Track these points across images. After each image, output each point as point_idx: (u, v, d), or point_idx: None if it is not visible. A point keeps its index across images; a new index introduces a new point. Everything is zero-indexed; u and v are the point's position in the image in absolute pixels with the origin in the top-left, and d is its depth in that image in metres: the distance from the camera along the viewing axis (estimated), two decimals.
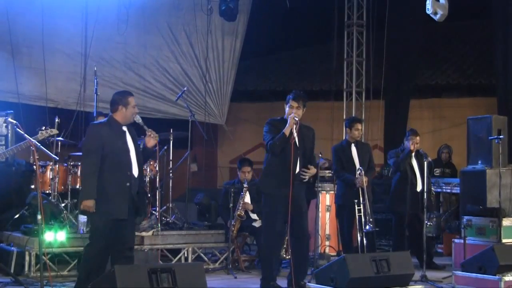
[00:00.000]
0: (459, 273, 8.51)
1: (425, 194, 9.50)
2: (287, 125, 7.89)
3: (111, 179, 7.10)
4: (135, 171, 7.28)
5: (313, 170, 8.09)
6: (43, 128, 7.68)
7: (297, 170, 7.98)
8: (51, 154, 9.24)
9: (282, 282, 8.50)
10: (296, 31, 16.18)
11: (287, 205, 7.87)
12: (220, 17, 13.70)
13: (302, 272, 8.20)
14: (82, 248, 8.84)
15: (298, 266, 8.12)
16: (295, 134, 7.92)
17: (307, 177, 8.09)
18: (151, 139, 7.39)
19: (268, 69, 17.79)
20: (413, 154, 10.28)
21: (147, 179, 10.07)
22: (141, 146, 7.42)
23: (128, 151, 7.23)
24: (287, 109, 8.12)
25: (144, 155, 7.46)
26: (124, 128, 7.29)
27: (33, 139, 7.32)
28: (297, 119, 7.89)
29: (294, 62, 17.86)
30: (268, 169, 8.17)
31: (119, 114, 7.26)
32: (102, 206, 7.05)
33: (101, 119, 10.56)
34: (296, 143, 7.94)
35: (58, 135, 9.20)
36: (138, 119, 7.34)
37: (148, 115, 12.82)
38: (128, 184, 7.16)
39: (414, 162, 10.27)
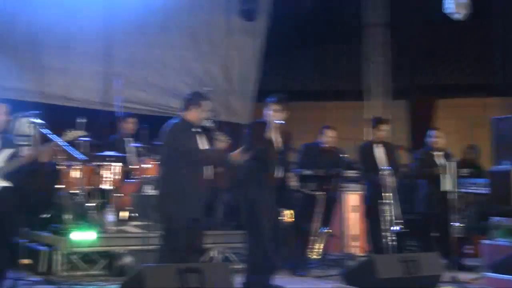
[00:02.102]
0: (489, 274, 8.47)
1: (453, 194, 9.46)
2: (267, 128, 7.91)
3: (191, 179, 7.18)
4: (211, 172, 7.42)
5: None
6: (69, 128, 7.69)
7: (280, 174, 7.98)
8: (78, 154, 9.28)
9: (309, 281, 8.52)
10: (318, 31, 16.10)
11: (271, 210, 7.92)
12: (240, 17, 13.71)
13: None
14: (109, 248, 9.00)
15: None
16: (278, 138, 7.98)
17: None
18: (221, 143, 7.43)
19: (290, 69, 17.74)
20: (440, 153, 10.28)
21: None
22: None
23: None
24: (269, 112, 8.06)
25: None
26: (194, 129, 7.37)
27: (59, 139, 7.36)
28: (283, 122, 7.95)
29: (317, 61, 17.77)
30: (248, 175, 8.02)
31: (191, 114, 7.36)
32: (182, 205, 7.13)
33: (131, 120, 10.75)
34: (278, 146, 8.00)
35: (83, 135, 9.19)
36: (210, 123, 7.36)
37: (173, 115, 12.76)
38: (205, 184, 7.29)
39: (442, 162, 10.25)
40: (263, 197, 7.85)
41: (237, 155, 7.53)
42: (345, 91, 16.36)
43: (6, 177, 7.20)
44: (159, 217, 7.63)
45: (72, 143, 8.25)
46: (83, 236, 8.81)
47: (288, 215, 9.50)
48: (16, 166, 7.20)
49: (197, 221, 7.27)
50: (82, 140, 9.76)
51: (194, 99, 7.41)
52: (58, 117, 10.99)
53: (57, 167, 9.77)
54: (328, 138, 10.52)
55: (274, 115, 7.92)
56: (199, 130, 7.41)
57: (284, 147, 8.11)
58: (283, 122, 7.97)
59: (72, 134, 7.63)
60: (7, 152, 7.28)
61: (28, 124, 9.73)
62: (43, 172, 9.72)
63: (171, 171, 7.31)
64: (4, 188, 7.19)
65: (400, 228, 9.49)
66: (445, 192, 9.91)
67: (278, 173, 7.92)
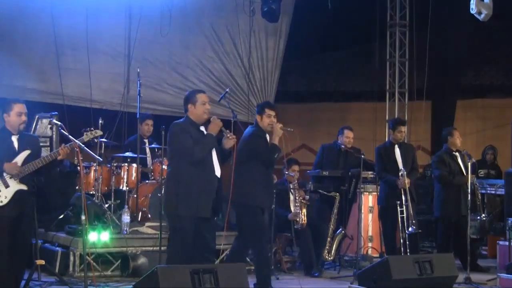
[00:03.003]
0: (504, 275, 8.42)
1: (469, 195, 9.39)
2: (274, 135, 7.89)
3: (197, 178, 7.10)
4: (217, 172, 7.32)
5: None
6: (88, 129, 7.69)
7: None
8: (95, 155, 9.30)
9: (323, 282, 8.50)
10: (339, 32, 16.08)
11: (270, 215, 8.12)
12: (262, 18, 13.69)
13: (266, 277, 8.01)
14: (125, 249, 9.02)
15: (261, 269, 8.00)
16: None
17: None
18: (229, 141, 7.38)
19: (311, 70, 17.74)
20: (458, 154, 10.23)
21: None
22: None
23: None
24: (262, 118, 8.05)
25: (221, 156, 7.43)
26: (202, 128, 7.31)
27: (78, 140, 7.35)
28: (289, 129, 8.02)
29: (337, 63, 17.80)
30: (252, 181, 7.94)
31: (191, 113, 7.28)
32: (187, 204, 7.06)
33: (149, 121, 10.77)
34: None
35: (101, 136, 9.22)
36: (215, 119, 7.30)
37: None
38: (212, 183, 7.20)
39: (461, 163, 10.19)
40: (268, 203, 7.97)
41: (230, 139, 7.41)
42: (366, 92, 16.31)
43: (23, 179, 7.21)
44: (166, 217, 7.62)
45: (90, 144, 8.25)
46: (98, 237, 8.84)
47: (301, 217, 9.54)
48: (35, 167, 7.21)
49: (206, 221, 7.20)
50: (100, 141, 9.82)
51: (189, 97, 7.37)
52: (77, 118, 11.09)
53: (75, 167, 9.86)
54: (347, 138, 10.50)
55: (276, 122, 7.97)
56: (202, 129, 7.32)
57: None
58: (290, 129, 8.06)
59: (91, 134, 7.61)
60: (25, 153, 7.29)
61: (48, 125, 9.85)
62: (60, 172, 9.78)
63: (175, 170, 7.27)
64: (21, 191, 7.19)
65: (415, 229, 9.40)
66: (464, 193, 9.85)
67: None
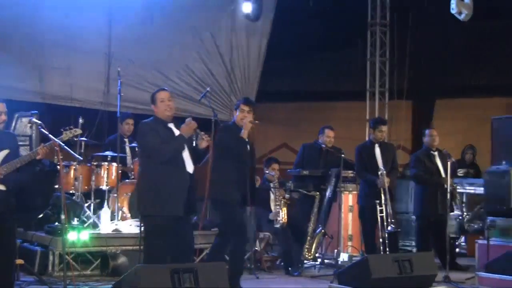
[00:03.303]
0: (483, 274, 8.47)
1: (448, 194, 9.43)
2: (242, 129, 7.88)
3: (167, 176, 7.09)
4: (190, 169, 7.29)
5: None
6: (67, 128, 7.66)
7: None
8: (75, 154, 9.28)
9: (304, 281, 8.50)
10: (321, 31, 16.08)
11: (242, 211, 7.99)
12: (244, 17, 13.69)
13: (241, 272, 8.13)
14: (104, 248, 8.99)
15: (238, 266, 8.07)
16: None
17: None
18: (203, 142, 7.38)
19: (295, 70, 17.69)
20: (436, 153, 10.29)
21: None
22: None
23: None
24: (237, 113, 8.08)
25: (196, 156, 7.42)
26: (170, 125, 7.31)
27: (57, 139, 7.31)
28: (256, 122, 7.95)
29: (318, 62, 17.75)
30: (224, 176, 8.00)
31: (156, 112, 7.31)
32: (159, 204, 7.05)
33: (129, 120, 10.76)
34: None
35: (81, 135, 9.19)
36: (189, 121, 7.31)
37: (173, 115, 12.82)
38: (184, 181, 7.17)
39: (439, 162, 10.25)
40: (239, 198, 7.86)
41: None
42: (348, 92, 16.36)
43: (2, 179, 7.13)
44: (140, 217, 7.61)
45: (69, 143, 8.22)
46: (78, 236, 8.79)
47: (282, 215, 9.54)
48: (14, 167, 7.14)
49: (182, 219, 7.17)
50: (80, 140, 9.79)
51: (151, 98, 7.39)
52: (57, 117, 11.03)
53: (55, 167, 9.81)
54: (328, 138, 10.53)
55: (248, 117, 7.94)
56: (170, 126, 7.33)
57: (252, 149, 8.16)
58: (257, 122, 8.01)
59: (70, 133, 7.57)
60: (4, 153, 7.22)
61: (27, 124, 9.79)
62: (40, 171, 9.72)
63: (145, 170, 7.28)
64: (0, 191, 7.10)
65: (394, 228, 9.46)
66: (441, 192, 9.91)
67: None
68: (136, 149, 10.33)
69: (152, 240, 7.16)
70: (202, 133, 7.41)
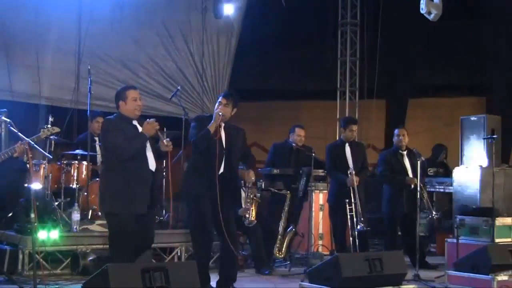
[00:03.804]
0: (452, 272, 8.54)
1: (417, 193, 9.53)
2: (212, 121, 7.71)
3: (130, 174, 7.10)
4: (152, 166, 7.30)
5: (252, 176, 8.14)
6: (45, 126, 7.69)
7: (221, 170, 7.76)
8: (45, 152, 9.24)
9: (274, 280, 8.52)
10: (292, 30, 16.14)
11: (212, 206, 7.68)
12: (213, 15, 13.69)
13: (232, 277, 7.95)
14: (75, 247, 8.96)
15: (227, 271, 7.92)
16: (222, 132, 7.80)
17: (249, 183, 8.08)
18: (162, 145, 7.36)
19: (264, 68, 17.75)
20: (405, 153, 10.39)
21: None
22: None
23: None
24: (216, 105, 7.92)
25: (157, 155, 7.44)
26: (135, 122, 7.31)
27: (35, 137, 7.34)
28: (221, 114, 7.68)
29: (289, 61, 17.82)
30: (191, 169, 7.97)
31: (122, 109, 7.30)
32: (122, 202, 7.07)
33: (99, 119, 10.73)
34: (222, 141, 7.80)
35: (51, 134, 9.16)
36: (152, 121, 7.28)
37: (143, 113, 12.77)
38: (147, 179, 7.20)
39: (406, 161, 10.36)
40: (205, 192, 7.71)
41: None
42: (318, 91, 16.42)
43: None
44: (104, 216, 7.60)
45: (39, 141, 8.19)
46: (48, 235, 8.73)
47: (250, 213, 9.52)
48: None
49: (142, 217, 7.21)
50: (50, 138, 9.75)
51: (119, 94, 7.37)
52: (26, 115, 10.97)
53: (24, 165, 9.75)
54: (298, 136, 10.56)
55: (220, 109, 7.77)
56: (134, 123, 7.33)
57: (232, 143, 7.94)
58: (222, 114, 7.72)
59: (48, 131, 7.60)
60: None
61: None
62: (10, 170, 9.67)
63: (108, 168, 7.31)
64: None
65: (363, 226, 9.54)
66: (411, 191, 10.00)
67: (222, 168, 7.78)
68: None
69: (117, 237, 7.18)
70: (165, 138, 7.42)
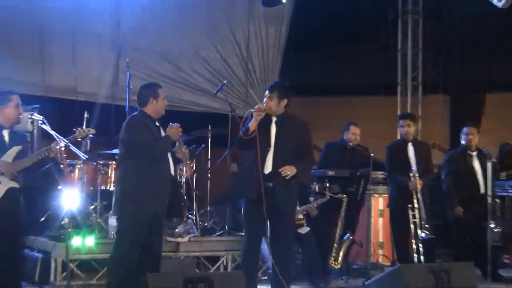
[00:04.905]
0: None
1: (488, 198, 9.29)
2: (252, 118, 7.57)
3: (154, 174, 7.22)
4: (172, 170, 7.47)
5: (287, 169, 7.61)
6: (81, 127, 7.83)
7: (269, 169, 7.60)
8: (80, 152, 9.22)
9: None
10: (346, 19, 15.99)
11: (259, 211, 7.53)
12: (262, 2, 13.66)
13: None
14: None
15: (280, 280, 7.66)
16: (272, 127, 7.70)
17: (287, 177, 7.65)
18: (179, 152, 7.51)
19: (315, 62, 17.58)
20: (474, 154, 10.17)
21: (183, 180, 10.06)
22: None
23: None
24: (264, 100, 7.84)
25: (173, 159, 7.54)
26: (158, 124, 7.42)
27: (70, 138, 7.41)
28: (263, 106, 7.60)
29: (344, 53, 17.62)
30: (243, 169, 7.92)
31: (150, 107, 7.37)
32: (144, 201, 7.16)
33: None
34: (270, 136, 7.67)
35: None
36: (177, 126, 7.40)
37: (185, 109, 12.81)
38: (167, 182, 7.34)
39: (476, 163, 10.14)
40: (251, 195, 7.61)
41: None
42: (377, 85, 16.19)
43: (14, 177, 7.22)
44: (118, 216, 7.65)
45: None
46: (82, 242, 8.71)
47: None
48: (27, 164, 7.26)
49: (159, 222, 7.40)
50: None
51: (151, 91, 7.48)
52: (61, 112, 11.00)
53: (57, 166, 9.74)
54: (353, 135, 10.44)
55: (264, 102, 7.71)
56: (158, 124, 7.48)
57: (284, 137, 7.75)
58: (264, 107, 7.62)
59: (83, 132, 7.70)
60: (16, 149, 7.30)
61: (28, 120, 9.74)
62: (41, 171, 9.67)
63: (132, 166, 7.32)
64: (12, 189, 7.24)
65: (428, 234, 9.35)
66: (481, 196, 9.78)
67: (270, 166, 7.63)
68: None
69: (127, 240, 7.27)
70: (183, 145, 7.59)
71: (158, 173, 7.25)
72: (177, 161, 7.73)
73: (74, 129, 7.70)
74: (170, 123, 7.38)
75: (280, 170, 7.56)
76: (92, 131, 7.89)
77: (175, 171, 7.70)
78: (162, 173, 7.31)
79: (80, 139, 7.74)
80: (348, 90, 16.68)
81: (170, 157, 7.43)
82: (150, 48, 12.83)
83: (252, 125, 7.50)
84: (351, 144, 10.36)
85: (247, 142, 7.49)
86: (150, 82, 8.08)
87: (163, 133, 7.38)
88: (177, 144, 7.50)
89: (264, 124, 7.60)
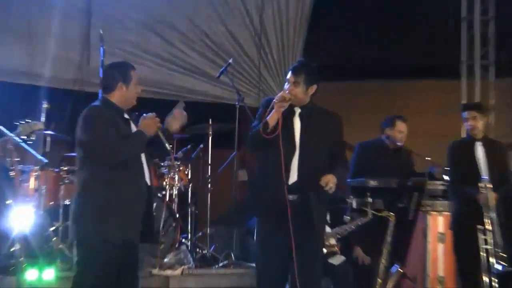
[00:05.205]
0: None
1: None
2: (273, 109, 7.35)
3: (122, 186, 7.03)
4: (148, 178, 7.28)
5: (330, 180, 7.34)
6: (25, 120, 7.67)
7: (295, 177, 7.41)
8: (37, 154, 9.14)
9: None
10: None
11: (282, 230, 7.28)
12: None
13: None
14: None
15: None
16: (296, 121, 7.56)
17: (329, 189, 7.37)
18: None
19: (351, 37, 17.51)
20: None
21: (175, 192, 9.94)
22: None
23: None
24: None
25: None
26: (127, 116, 7.22)
27: (14, 135, 7.32)
28: (281, 95, 7.36)
29: (388, 28, 17.58)
30: (253, 178, 7.90)
31: (117, 94, 7.18)
32: (110, 223, 6.95)
33: None
34: (294, 135, 7.51)
35: (47, 128, 9.11)
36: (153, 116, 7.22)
37: (177, 97, 12.66)
38: (142, 194, 7.16)
39: None
40: (269, 211, 7.43)
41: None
42: (433, 66, 16.10)
43: None
44: (77, 242, 7.39)
45: (28, 139, 8.12)
46: (39, 276, 8.57)
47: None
48: None
49: (132, 246, 7.19)
50: (44, 134, 9.81)
51: (120, 72, 7.26)
52: (12, 101, 10.95)
53: (6, 173, 9.69)
54: (400, 133, 10.24)
55: (286, 89, 7.52)
56: (127, 117, 7.28)
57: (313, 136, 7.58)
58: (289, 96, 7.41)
59: (28, 126, 7.52)
60: None
61: None
62: None
63: (91, 175, 7.09)
64: None
65: (505, 266, 9.18)
66: None
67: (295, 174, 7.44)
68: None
69: (88, 273, 7.04)
70: (170, 145, 7.39)
71: (129, 183, 7.05)
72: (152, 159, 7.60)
73: (17, 123, 7.51)
74: (144, 114, 7.17)
75: (321, 182, 7.29)
76: (40, 125, 7.73)
77: (151, 179, 7.37)
78: (135, 183, 7.10)
79: (24, 135, 7.55)
80: (392, 73, 16.62)
81: (144, 160, 7.26)
82: (130, 16, 12.77)
83: (273, 118, 7.32)
84: (399, 144, 10.16)
85: (264, 142, 7.31)
86: (120, 61, 7.78)
87: (134, 129, 7.19)
88: (162, 141, 7.26)
89: (284, 118, 7.43)
